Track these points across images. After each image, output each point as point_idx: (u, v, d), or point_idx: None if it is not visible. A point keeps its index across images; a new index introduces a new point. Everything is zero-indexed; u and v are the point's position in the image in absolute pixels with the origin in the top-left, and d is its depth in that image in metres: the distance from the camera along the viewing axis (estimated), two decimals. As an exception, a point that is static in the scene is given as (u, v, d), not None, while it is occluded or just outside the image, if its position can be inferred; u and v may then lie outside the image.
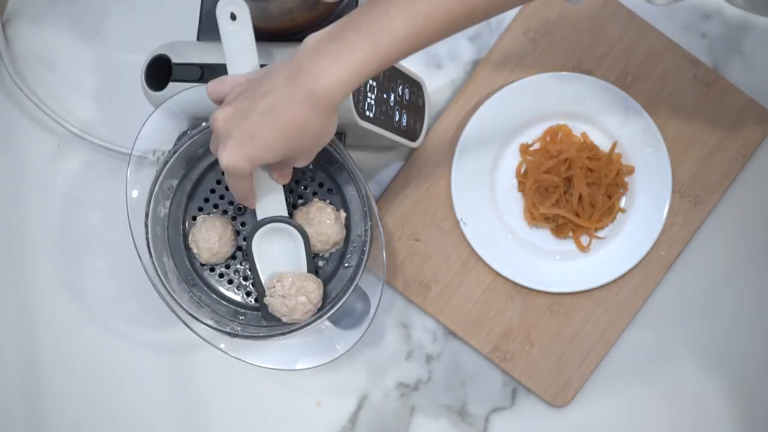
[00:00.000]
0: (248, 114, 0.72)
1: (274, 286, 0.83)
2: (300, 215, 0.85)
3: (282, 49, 0.86)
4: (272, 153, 0.72)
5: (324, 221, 0.84)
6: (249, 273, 0.88)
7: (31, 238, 1.02)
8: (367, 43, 0.69)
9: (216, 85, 0.77)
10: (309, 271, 0.84)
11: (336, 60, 0.69)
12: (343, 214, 0.86)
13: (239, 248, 0.88)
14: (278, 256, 0.84)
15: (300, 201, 0.88)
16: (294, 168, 0.81)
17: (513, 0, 0.72)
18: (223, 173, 0.88)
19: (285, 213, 0.83)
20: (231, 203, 0.88)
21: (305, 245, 0.83)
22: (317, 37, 0.71)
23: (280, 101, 0.71)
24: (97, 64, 1.03)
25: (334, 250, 0.86)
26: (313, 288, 0.83)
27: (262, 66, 0.78)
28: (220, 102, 0.77)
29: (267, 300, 0.84)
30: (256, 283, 0.85)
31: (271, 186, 0.82)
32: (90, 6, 1.04)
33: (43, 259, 1.02)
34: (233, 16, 0.78)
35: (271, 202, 0.83)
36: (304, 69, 0.70)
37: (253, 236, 0.83)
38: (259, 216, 0.83)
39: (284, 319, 0.84)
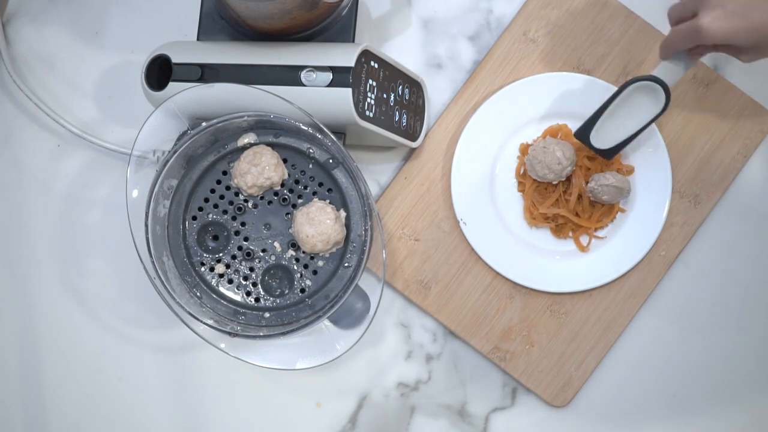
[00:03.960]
0: None
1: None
2: (300, 215, 0.85)
3: (282, 49, 0.86)
4: (749, 36, 0.76)
5: (324, 221, 0.84)
6: (249, 273, 0.88)
7: (31, 238, 1.02)
8: None
9: None
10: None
11: None
12: (343, 214, 0.86)
13: (239, 248, 0.88)
14: (630, 113, 0.90)
15: (300, 201, 0.88)
16: None
17: None
18: (225, 171, 0.88)
19: (671, 84, 0.89)
20: (231, 203, 0.88)
21: (657, 116, 0.90)
22: None
23: None
24: (97, 64, 1.03)
25: (334, 249, 0.86)
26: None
27: None
28: None
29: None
30: (596, 114, 0.91)
31: (680, 58, 0.88)
32: (90, 6, 1.04)
33: (43, 259, 1.02)
34: None
35: (670, 70, 0.88)
36: None
37: (631, 84, 0.89)
38: (654, 72, 0.89)
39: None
